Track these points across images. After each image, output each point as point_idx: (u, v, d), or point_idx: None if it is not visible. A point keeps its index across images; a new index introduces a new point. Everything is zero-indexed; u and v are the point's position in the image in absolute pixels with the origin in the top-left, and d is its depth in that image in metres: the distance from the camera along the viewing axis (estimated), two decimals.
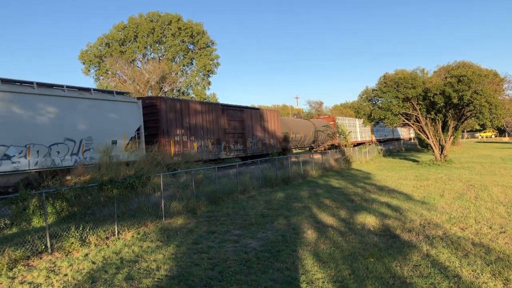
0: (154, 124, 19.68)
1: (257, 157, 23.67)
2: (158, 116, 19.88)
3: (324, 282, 6.12)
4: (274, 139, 30.97)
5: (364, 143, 45.40)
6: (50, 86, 15.25)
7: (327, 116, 51.49)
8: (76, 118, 15.42)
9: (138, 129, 17.96)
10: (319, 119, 44.34)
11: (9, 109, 13.47)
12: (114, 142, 16.47)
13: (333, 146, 38.30)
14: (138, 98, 19.09)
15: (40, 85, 14.75)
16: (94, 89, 16.87)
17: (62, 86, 15.51)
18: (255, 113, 29.33)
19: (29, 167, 13.75)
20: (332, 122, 42.70)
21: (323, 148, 39.53)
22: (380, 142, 53.80)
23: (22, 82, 14.38)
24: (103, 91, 17.87)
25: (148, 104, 19.71)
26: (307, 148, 38.15)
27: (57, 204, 9.81)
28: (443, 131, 27.49)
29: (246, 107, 28.67)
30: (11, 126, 13.39)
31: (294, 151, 34.87)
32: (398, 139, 63.19)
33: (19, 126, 13.60)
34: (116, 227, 9.48)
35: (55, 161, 14.54)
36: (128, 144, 17.20)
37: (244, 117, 27.43)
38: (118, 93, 18.63)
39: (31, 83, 14.48)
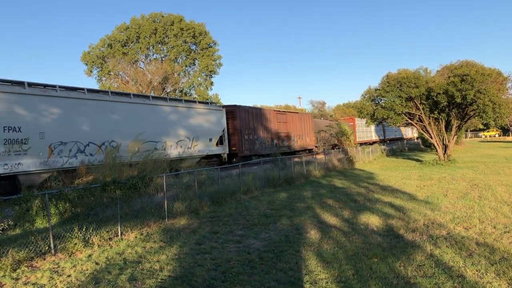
0: (232, 126, 26.20)
1: (298, 152, 31.38)
2: (236, 120, 26.30)
3: (327, 282, 6.10)
4: (309, 137, 36.43)
5: (377, 141, 53.13)
6: (177, 100, 23.28)
7: (348, 117, 56.78)
8: (189, 122, 22.24)
9: (223, 130, 24.75)
10: (340, 120, 50.62)
11: (151, 116, 19.61)
12: (210, 140, 23.59)
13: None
14: (223, 107, 25.91)
15: (171, 99, 22.31)
16: (199, 102, 24.56)
17: (180, 99, 23.65)
18: (295, 116, 34.86)
19: (174, 156, 20.59)
20: (352, 123, 49.05)
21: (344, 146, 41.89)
22: (390, 140, 60.28)
23: (153, 97, 21.08)
24: (204, 103, 24.97)
25: (228, 111, 25.99)
26: (331, 146, 40.88)
27: (60, 205, 9.83)
28: (446, 131, 27.41)
29: (289, 112, 34.20)
30: (155, 127, 19.73)
31: (322, 148, 38.01)
32: (402, 139, 64.20)
33: (171, 127, 20.73)
34: (119, 227, 9.49)
35: (183, 152, 21.56)
36: (217, 141, 24.28)
37: (288, 120, 32.96)
38: (212, 103, 25.97)
39: (160, 97, 22.25)
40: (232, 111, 26.15)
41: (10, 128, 13.51)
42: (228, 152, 25.04)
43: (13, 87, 13.99)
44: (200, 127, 22.69)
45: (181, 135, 21.23)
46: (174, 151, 20.52)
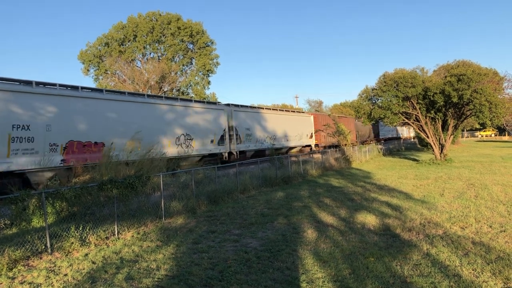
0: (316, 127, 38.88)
1: (351, 144, 38.91)
2: (315, 123, 38.94)
3: (324, 281, 6.11)
4: (352, 134, 45.38)
5: (399, 138, 64.24)
6: (263, 108, 32.59)
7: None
8: (270, 125, 31.62)
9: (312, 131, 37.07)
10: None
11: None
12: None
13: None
14: (310, 114, 39.86)
15: (253, 107, 31.56)
16: (295, 110, 33.89)
17: (275, 108, 33.84)
18: (345, 119, 45.79)
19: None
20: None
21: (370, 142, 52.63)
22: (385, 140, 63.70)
23: (240, 105, 28.71)
24: (297, 111, 33.62)
25: (314, 116, 39.55)
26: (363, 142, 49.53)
27: (57, 204, 9.80)
28: (443, 130, 27.48)
29: (343, 116, 42.19)
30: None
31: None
32: (399, 138, 64.66)
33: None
34: (116, 227, 9.48)
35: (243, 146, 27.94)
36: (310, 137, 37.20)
37: (342, 121, 42.87)
38: (303, 112, 37.80)
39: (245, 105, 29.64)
40: (315, 117, 39.92)
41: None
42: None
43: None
44: (294, 129, 35.23)
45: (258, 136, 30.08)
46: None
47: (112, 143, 17.36)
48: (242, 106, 28.96)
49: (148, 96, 20.87)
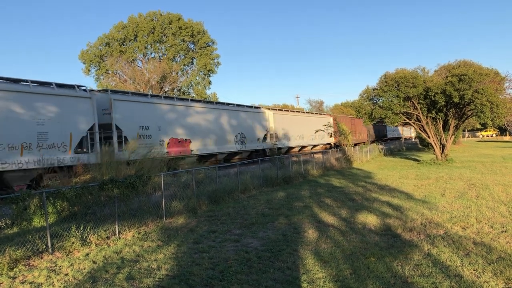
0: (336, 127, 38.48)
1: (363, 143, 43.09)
2: (335, 123, 39.24)
3: (325, 281, 6.11)
4: (363, 135, 51.40)
5: (401, 138, 66.42)
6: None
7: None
8: (299, 125, 36.08)
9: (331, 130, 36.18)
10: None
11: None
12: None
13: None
14: (330, 115, 42.61)
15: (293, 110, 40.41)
16: (317, 112, 41.41)
17: (303, 111, 41.04)
18: (358, 120, 45.49)
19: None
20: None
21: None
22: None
23: (277, 109, 34.67)
24: (319, 113, 37.15)
25: (333, 117, 42.58)
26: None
27: (58, 203, 9.81)
28: (444, 130, 27.45)
29: (356, 117, 41.46)
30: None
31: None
32: (399, 138, 65.15)
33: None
34: (117, 226, 9.48)
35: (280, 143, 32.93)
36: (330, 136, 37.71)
37: (355, 122, 47.10)
38: (324, 113, 39.18)
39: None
40: (333, 118, 42.48)
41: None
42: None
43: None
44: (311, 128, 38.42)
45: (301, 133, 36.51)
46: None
47: (192, 140, 23.55)
48: (279, 109, 35.95)
49: (217, 103, 27.92)
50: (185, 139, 22.77)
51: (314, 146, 39.36)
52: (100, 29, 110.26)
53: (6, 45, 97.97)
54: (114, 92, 19.93)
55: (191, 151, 23.02)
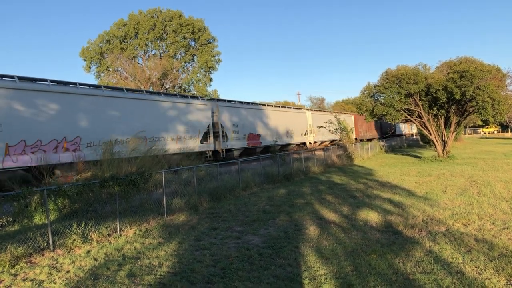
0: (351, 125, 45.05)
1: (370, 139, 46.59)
2: (355, 122, 47.60)
3: (326, 278, 6.10)
4: (374, 132, 56.65)
5: (405, 135, 70.61)
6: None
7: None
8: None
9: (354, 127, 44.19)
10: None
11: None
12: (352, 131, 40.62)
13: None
14: (351, 114, 48.97)
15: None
16: (343, 112, 45.21)
17: (331, 111, 45.77)
18: (360, 117, 51.07)
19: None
20: None
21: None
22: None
23: (317, 109, 45.98)
24: (343, 112, 43.56)
25: (354, 116, 48.98)
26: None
27: (59, 201, 9.81)
28: (445, 127, 27.41)
29: (358, 115, 45.89)
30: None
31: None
32: (400, 135, 65.51)
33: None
34: (118, 224, 9.48)
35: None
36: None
37: (357, 119, 51.01)
38: (348, 112, 46.05)
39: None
40: (355, 117, 48.99)
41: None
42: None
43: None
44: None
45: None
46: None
47: (260, 135, 31.57)
48: (319, 110, 44.49)
49: (275, 106, 36.52)
50: (258, 134, 31.52)
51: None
52: (101, 26, 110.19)
53: (5, 43, 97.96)
54: (218, 100, 29.46)
55: (261, 143, 31.52)
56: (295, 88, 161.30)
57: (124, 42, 49.15)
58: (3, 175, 13.88)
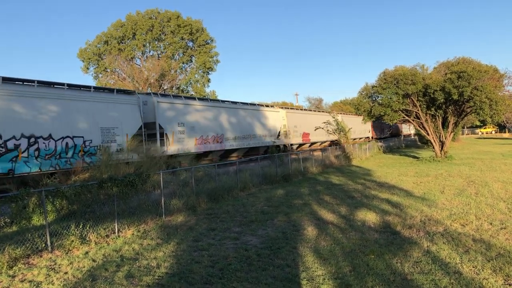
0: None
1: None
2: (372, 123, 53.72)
3: (324, 279, 6.11)
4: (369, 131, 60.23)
5: (410, 134, 73.17)
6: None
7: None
8: (351, 124, 43.58)
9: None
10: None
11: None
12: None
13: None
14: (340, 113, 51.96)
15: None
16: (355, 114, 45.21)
17: (349, 114, 53.08)
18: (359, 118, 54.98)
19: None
20: None
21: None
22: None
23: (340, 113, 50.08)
24: (356, 114, 41.77)
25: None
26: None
27: (57, 202, 9.79)
28: (443, 127, 27.46)
29: (355, 115, 48.43)
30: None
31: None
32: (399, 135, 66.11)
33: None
34: (116, 225, 9.47)
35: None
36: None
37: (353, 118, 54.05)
38: (344, 112, 56.45)
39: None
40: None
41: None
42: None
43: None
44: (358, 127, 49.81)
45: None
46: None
47: (310, 133, 38.78)
48: (342, 114, 47.54)
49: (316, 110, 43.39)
50: (308, 133, 38.46)
51: (360, 138, 51.71)
52: (99, 27, 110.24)
53: (3, 43, 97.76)
54: (285, 108, 37.52)
55: (310, 139, 38.77)
56: (294, 89, 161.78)
57: (122, 43, 49.10)
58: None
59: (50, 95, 15.88)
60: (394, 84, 25.54)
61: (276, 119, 34.23)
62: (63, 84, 16.72)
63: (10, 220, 9.13)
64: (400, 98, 25.71)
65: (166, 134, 21.41)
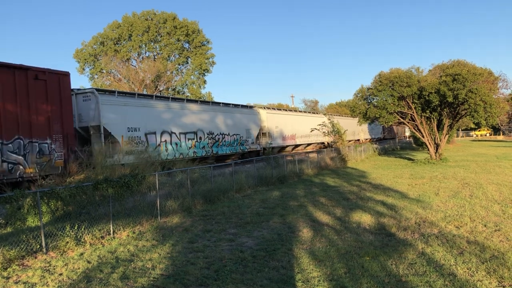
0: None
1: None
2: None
3: (319, 280, 6.12)
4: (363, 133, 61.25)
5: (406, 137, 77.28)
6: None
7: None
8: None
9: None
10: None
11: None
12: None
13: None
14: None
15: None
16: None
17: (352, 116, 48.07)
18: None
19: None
20: None
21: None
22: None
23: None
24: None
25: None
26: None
27: (52, 203, 9.76)
28: (438, 130, 27.58)
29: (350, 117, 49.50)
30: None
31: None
32: (394, 138, 66.14)
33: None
34: (111, 226, 9.44)
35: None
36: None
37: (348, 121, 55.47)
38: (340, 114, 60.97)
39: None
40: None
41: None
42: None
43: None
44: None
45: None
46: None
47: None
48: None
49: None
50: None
51: (366, 139, 57.42)
52: (95, 28, 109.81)
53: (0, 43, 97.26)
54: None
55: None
56: (290, 91, 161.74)
57: (118, 44, 49.02)
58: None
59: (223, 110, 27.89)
60: (390, 87, 25.64)
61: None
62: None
63: (4, 221, 9.10)
64: (395, 100, 25.81)
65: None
